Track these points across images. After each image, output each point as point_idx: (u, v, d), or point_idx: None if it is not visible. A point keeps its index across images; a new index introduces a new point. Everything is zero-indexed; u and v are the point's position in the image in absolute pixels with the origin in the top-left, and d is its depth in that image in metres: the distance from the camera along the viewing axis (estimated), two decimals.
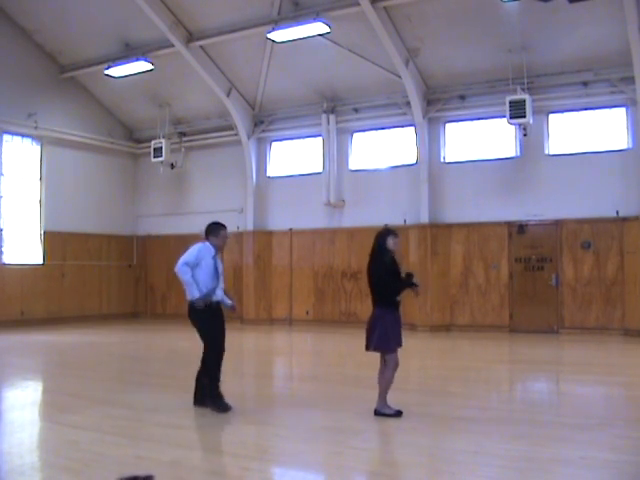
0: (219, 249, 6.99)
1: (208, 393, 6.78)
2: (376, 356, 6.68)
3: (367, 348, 6.62)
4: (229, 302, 7.04)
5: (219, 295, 6.89)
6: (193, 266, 6.71)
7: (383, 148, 16.33)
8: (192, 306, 6.78)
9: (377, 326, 6.51)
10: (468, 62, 14.43)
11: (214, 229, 6.98)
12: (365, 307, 15.80)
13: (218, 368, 6.85)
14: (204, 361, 6.86)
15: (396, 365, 6.54)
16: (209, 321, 6.82)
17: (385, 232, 6.69)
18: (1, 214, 16.53)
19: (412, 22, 13.93)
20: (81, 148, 18.18)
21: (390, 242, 6.58)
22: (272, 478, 5.13)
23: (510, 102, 13.59)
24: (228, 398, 6.79)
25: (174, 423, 6.32)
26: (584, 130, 14.15)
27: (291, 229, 17.22)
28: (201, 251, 6.80)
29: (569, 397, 8.15)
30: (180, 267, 6.69)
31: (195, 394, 6.95)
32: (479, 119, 15.18)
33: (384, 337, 6.48)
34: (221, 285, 6.93)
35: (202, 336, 6.88)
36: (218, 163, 18.51)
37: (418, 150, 15.48)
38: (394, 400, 6.58)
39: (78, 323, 17.26)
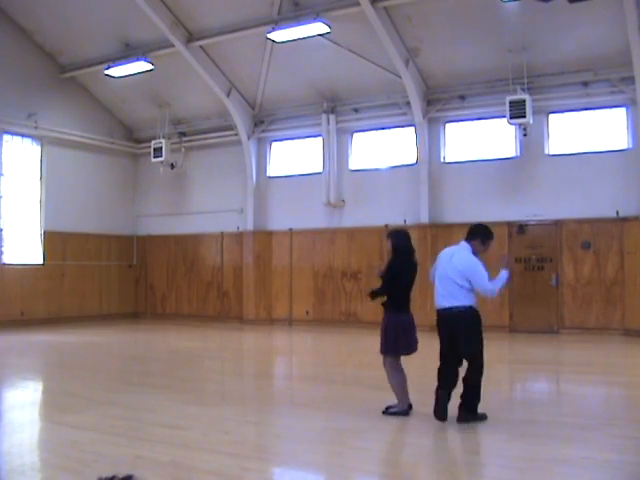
0: (476, 254, 6.33)
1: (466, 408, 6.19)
2: (375, 356, 6.68)
3: None
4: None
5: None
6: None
7: (383, 148, 16.32)
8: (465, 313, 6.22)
9: (381, 329, 6.61)
10: (468, 62, 14.43)
11: (485, 235, 6.35)
12: (365, 307, 15.86)
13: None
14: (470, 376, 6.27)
15: (392, 369, 6.51)
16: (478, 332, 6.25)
17: (407, 234, 6.70)
18: (1, 214, 16.53)
19: (412, 22, 13.92)
20: (81, 148, 18.18)
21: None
22: (272, 478, 5.13)
23: (510, 102, 13.58)
24: (228, 398, 6.78)
25: (174, 423, 6.31)
26: (584, 130, 14.15)
27: (291, 229, 17.22)
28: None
29: (569, 397, 8.16)
30: (492, 292, 6.18)
31: (440, 405, 6.22)
32: (479, 119, 15.17)
33: (382, 340, 6.56)
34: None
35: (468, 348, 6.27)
36: (218, 163, 18.51)
37: (418, 150, 15.48)
38: (394, 400, 6.58)
39: (78, 323, 17.25)
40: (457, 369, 6.33)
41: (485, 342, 6.34)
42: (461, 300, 6.21)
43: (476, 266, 6.20)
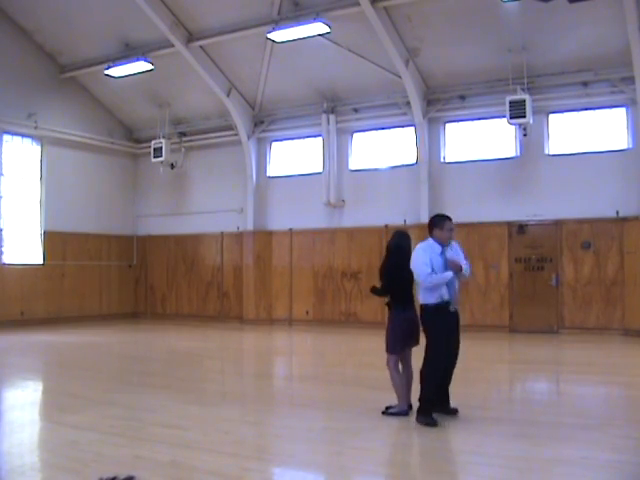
0: (445, 243, 6.35)
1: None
2: (375, 356, 6.68)
3: None
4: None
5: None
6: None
7: (383, 148, 16.32)
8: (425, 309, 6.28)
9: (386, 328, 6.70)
10: (468, 62, 14.43)
11: (437, 222, 6.37)
12: (365, 307, 15.87)
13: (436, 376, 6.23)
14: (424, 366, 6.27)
15: (394, 369, 6.52)
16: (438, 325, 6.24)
17: (405, 235, 6.79)
18: (1, 214, 16.53)
19: (412, 22, 13.92)
20: (81, 148, 18.18)
21: None
22: (272, 478, 5.13)
23: (510, 102, 13.58)
24: (228, 398, 6.77)
25: (174, 423, 6.32)
26: (584, 130, 14.15)
27: (291, 229, 17.22)
28: (426, 251, 6.24)
29: (569, 397, 8.15)
30: (424, 277, 6.15)
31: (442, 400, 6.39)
32: (479, 119, 15.17)
33: (385, 339, 6.61)
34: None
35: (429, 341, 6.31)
36: (218, 163, 18.51)
37: (418, 150, 15.48)
38: (393, 400, 6.58)
39: (78, 323, 17.25)
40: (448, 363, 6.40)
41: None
42: (421, 298, 6.33)
43: (416, 253, 6.33)
